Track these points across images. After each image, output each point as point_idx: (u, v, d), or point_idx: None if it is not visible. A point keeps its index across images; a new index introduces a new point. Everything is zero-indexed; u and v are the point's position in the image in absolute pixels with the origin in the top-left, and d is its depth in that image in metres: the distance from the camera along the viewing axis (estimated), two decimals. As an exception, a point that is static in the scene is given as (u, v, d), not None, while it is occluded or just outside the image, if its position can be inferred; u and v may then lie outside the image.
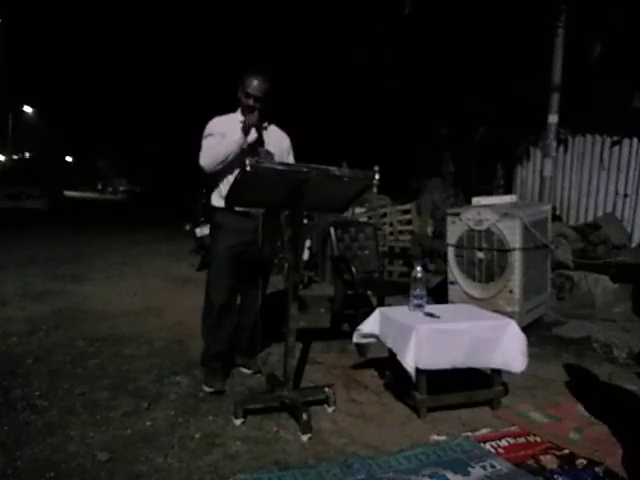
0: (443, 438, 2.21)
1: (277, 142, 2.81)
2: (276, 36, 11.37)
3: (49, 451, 2.02)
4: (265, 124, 2.74)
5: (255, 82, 2.67)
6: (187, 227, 7.68)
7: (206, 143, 2.72)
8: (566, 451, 2.11)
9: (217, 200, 2.73)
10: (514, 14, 6.38)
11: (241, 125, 2.62)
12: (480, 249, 3.95)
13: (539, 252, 4.08)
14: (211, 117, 2.78)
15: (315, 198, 2.38)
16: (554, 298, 4.66)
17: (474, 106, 7.53)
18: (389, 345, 2.59)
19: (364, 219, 6.17)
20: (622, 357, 3.47)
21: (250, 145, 2.66)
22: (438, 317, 2.57)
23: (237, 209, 2.61)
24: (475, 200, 4.23)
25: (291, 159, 2.90)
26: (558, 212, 6.34)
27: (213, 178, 2.74)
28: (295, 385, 2.55)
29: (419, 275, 2.69)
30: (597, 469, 1.98)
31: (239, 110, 2.76)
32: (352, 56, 9.43)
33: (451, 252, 4.19)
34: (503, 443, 2.17)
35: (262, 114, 2.69)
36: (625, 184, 5.93)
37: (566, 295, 4.80)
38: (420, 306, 2.67)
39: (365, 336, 2.78)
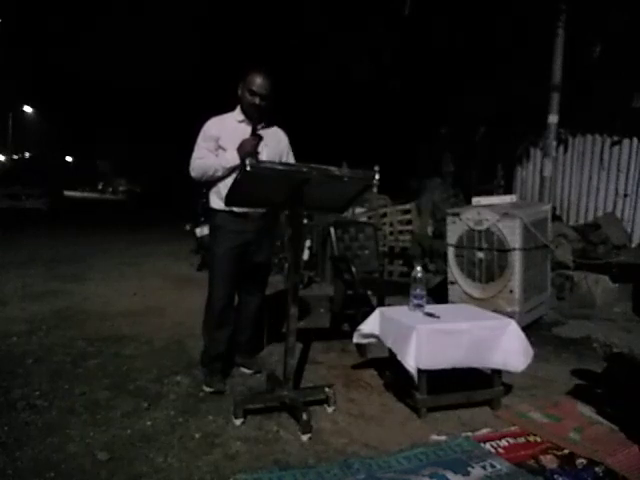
0: (443, 438, 2.21)
1: (275, 142, 2.79)
2: (276, 36, 11.38)
3: (49, 451, 2.02)
4: (261, 125, 2.70)
5: (259, 79, 2.62)
6: (187, 227, 7.68)
7: (198, 152, 2.68)
8: (566, 451, 2.11)
9: (216, 202, 2.71)
10: (514, 14, 6.38)
11: (240, 145, 2.60)
12: (480, 249, 3.95)
13: (539, 252, 4.08)
14: (210, 117, 2.75)
15: (315, 198, 2.37)
16: (554, 298, 4.66)
17: (474, 106, 7.54)
18: (389, 345, 2.58)
19: (364, 219, 6.17)
20: (622, 357, 3.47)
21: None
22: (438, 317, 2.57)
23: (236, 210, 2.61)
24: (475, 200, 4.22)
25: (291, 158, 2.89)
26: (558, 212, 6.34)
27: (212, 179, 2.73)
28: (295, 385, 2.55)
29: (419, 275, 2.69)
30: (597, 469, 1.98)
31: (237, 109, 2.73)
32: (352, 56, 9.43)
33: (451, 252, 4.19)
34: (503, 443, 2.17)
35: (265, 113, 2.68)
36: (625, 184, 5.94)
37: (566, 295, 4.80)
38: (420, 306, 2.67)
39: (365, 336, 2.78)
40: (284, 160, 2.83)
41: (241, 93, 2.68)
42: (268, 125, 2.78)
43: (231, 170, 2.61)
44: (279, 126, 2.89)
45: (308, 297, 4.93)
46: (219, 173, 2.64)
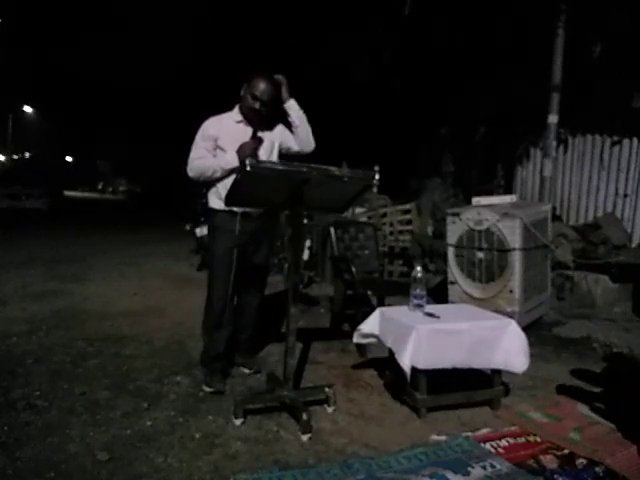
0: (443, 438, 2.21)
1: (270, 137, 2.78)
2: (276, 36, 11.38)
3: (49, 451, 2.02)
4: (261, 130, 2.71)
5: (263, 85, 2.62)
6: (187, 227, 7.69)
7: (196, 152, 2.68)
8: (566, 451, 2.11)
9: (215, 202, 2.71)
10: (514, 14, 6.38)
11: (240, 147, 2.60)
12: (480, 249, 3.94)
13: (539, 252, 4.08)
14: (208, 117, 2.74)
15: (315, 198, 2.37)
16: (554, 298, 4.66)
17: (474, 106, 7.53)
18: (389, 345, 2.58)
19: (364, 219, 6.17)
20: (622, 357, 3.47)
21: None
22: (438, 317, 2.57)
23: (235, 210, 2.60)
24: (475, 200, 4.22)
25: (276, 147, 2.82)
26: (558, 212, 6.34)
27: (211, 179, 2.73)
28: (295, 385, 2.55)
29: (419, 275, 2.69)
30: (597, 469, 1.98)
31: (236, 109, 2.74)
32: (352, 56, 9.43)
33: (451, 252, 4.19)
34: (503, 443, 2.17)
35: (264, 118, 2.69)
36: (625, 184, 5.93)
37: (566, 295, 4.80)
38: (420, 306, 2.67)
39: (365, 336, 2.78)
40: (275, 149, 2.79)
41: (243, 94, 2.68)
42: (269, 127, 2.78)
43: (230, 171, 2.62)
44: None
45: (307, 297, 4.93)
46: (217, 174, 2.65)
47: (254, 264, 2.82)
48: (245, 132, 2.68)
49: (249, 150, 2.60)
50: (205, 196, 2.85)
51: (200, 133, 2.71)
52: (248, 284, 2.86)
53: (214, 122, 2.72)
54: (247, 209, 2.62)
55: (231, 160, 2.61)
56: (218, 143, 2.66)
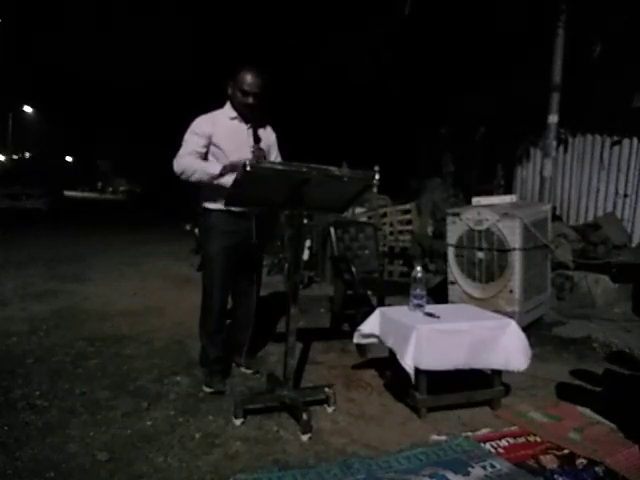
0: (443, 438, 2.21)
1: (266, 138, 2.77)
2: (276, 36, 11.38)
3: (49, 451, 2.02)
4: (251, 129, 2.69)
5: (250, 77, 2.58)
6: (187, 227, 7.70)
7: (187, 148, 2.62)
8: (566, 451, 2.11)
9: (208, 201, 2.70)
10: (514, 14, 6.38)
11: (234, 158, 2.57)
12: (480, 249, 3.94)
13: (539, 252, 4.08)
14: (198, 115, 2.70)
15: (315, 198, 2.37)
16: (554, 298, 4.66)
17: (474, 106, 7.54)
18: (389, 345, 2.59)
19: (364, 219, 6.17)
20: (622, 357, 3.46)
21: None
22: (438, 317, 2.57)
23: (229, 209, 2.57)
24: (475, 200, 4.22)
25: (277, 155, 2.87)
26: (558, 212, 6.34)
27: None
28: (295, 385, 2.55)
29: (419, 275, 2.69)
30: (597, 469, 1.98)
31: (228, 105, 2.70)
32: (352, 56, 9.43)
33: (451, 252, 4.18)
34: (503, 443, 2.17)
35: (260, 112, 2.66)
36: (625, 184, 5.93)
37: (566, 295, 4.80)
38: (420, 306, 2.67)
39: (365, 336, 2.78)
40: (270, 154, 2.81)
41: (232, 92, 2.65)
42: (261, 124, 2.76)
43: (211, 179, 2.58)
44: (280, 126, 2.88)
45: (307, 297, 4.92)
46: (196, 176, 2.59)
47: (249, 264, 2.80)
48: (240, 128, 2.66)
49: (255, 157, 2.54)
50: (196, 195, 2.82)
51: (190, 130, 2.65)
52: (245, 284, 2.85)
53: (206, 120, 2.67)
54: (240, 208, 2.58)
55: (217, 172, 2.56)
56: (213, 140, 2.62)
